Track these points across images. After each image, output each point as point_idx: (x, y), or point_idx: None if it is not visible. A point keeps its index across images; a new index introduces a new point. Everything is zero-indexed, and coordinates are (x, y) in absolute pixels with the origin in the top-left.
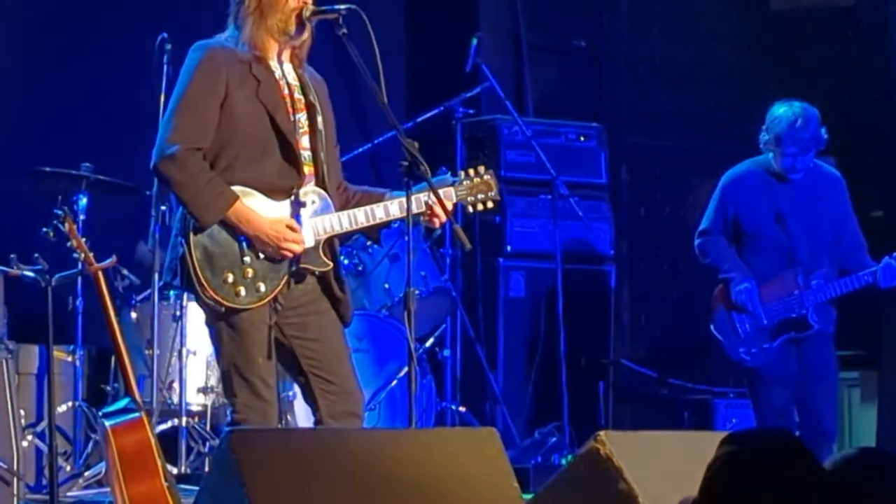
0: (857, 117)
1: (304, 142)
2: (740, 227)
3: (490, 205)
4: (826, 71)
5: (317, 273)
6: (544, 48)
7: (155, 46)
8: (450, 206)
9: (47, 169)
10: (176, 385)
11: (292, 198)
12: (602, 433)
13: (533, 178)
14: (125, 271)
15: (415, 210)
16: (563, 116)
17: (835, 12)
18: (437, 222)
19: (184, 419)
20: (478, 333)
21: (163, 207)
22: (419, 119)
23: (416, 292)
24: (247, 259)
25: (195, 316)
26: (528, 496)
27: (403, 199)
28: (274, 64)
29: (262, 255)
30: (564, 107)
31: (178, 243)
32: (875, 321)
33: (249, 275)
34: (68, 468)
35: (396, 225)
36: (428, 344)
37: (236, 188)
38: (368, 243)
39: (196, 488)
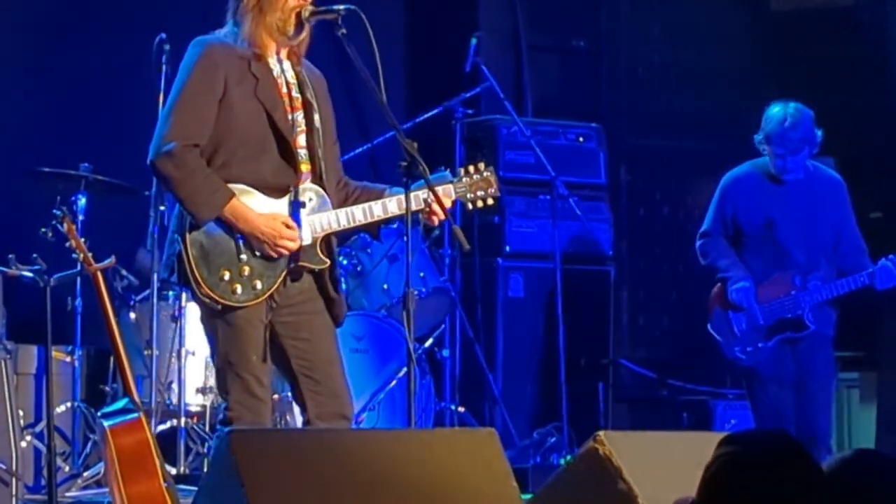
0: (857, 117)
1: (301, 140)
2: (739, 228)
3: (490, 202)
4: (826, 71)
5: (314, 270)
6: (544, 48)
7: (153, 47)
8: (448, 204)
9: (46, 169)
10: (175, 385)
11: (290, 196)
12: (601, 433)
13: (532, 178)
14: (124, 272)
15: (413, 207)
16: (562, 117)
17: (835, 12)
18: (435, 220)
19: (182, 420)
20: (477, 334)
21: (161, 208)
22: (418, 119)
23: (415, 293)
24: (243, 257)
25: (194, 316)
26: (527, 496)
27: (402, 197)
28: (272, 61)
29: (258, 253)
30: (564, 107)
31: (174, 240)
32: (874, 322)
33: (246, 272)
34: (67, 469)
35: (396, 225)
36: (427, 344)
37: (233, 186)
38: (368, 241)
39: (195, 489)
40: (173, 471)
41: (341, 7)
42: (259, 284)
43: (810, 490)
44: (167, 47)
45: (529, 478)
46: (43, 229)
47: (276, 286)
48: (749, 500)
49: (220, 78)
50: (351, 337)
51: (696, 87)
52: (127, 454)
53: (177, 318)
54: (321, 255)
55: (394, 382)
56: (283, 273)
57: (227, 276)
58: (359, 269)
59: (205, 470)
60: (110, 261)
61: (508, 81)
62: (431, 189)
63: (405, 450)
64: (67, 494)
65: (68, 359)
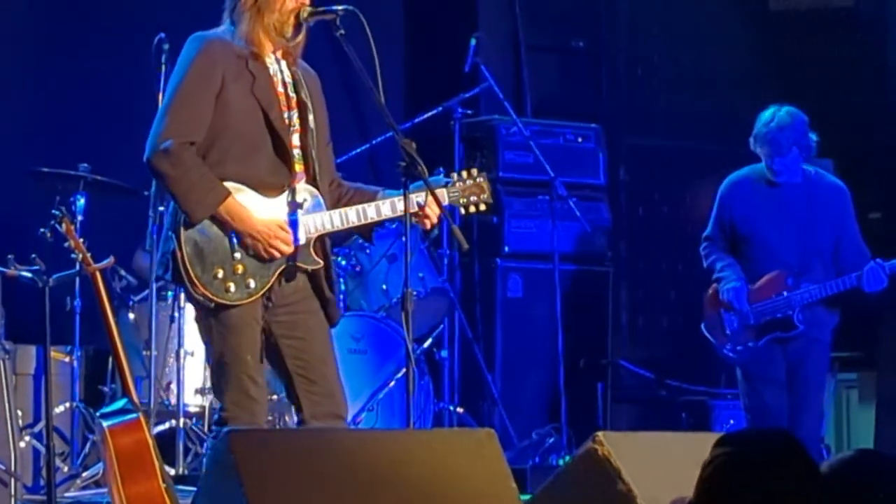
0: (856, 118)
1: (295, 140)
2: (736, 231)
3: (483, 207)
4: (825, 71)
5: (308, 271)
6: (543, 49)
7: (152, 47)
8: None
9: (45, 169)
10: (173, 386)
11: (287, 196)
12: (600, 434)
13: (531, 178)
14: (123, 272)
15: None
16: (561, 117)
17: (834, 12)
18: (427, 223)
19: (181, 420)
20: (476, 334)
21: (160, 208)
22: (418, 119)
23: (414, 293)
24: (237, 255)
25: (193, 317)
26: (526, 497)
27: (395, 199)
28: (269, 60)
29: (252, 252)
30: (563, 107)
31: (169, 237)
32: (873, 323)
33: (239, 271)
34: (66, 469)
35: (395, 225)
36: (426, 345)
37: (228, 184)
38: (364, 243)
39: (194, 489)
40: (172, 471)
41: (340, 7)
42: (252, 283)
43: (807, 490)
44: (166, 47)
45: (528, 478)
46: (42, 229)
47: (269, 285)
48: (746, 501)
49: (217, 74)
50: (349, 337)
51: (696, 87)
52: (126, 454)
53: (175, 318)
54: (314, 256)
55: (392, 383)
56: (277, 272)
57: (220, 273)
58: (357, 269)
59: (203, 470)
60: (109, 261)
61: (508, 82)
62: (430, 190)
63: (404, 450)
64: (66, 495)
65: (67, 359)
